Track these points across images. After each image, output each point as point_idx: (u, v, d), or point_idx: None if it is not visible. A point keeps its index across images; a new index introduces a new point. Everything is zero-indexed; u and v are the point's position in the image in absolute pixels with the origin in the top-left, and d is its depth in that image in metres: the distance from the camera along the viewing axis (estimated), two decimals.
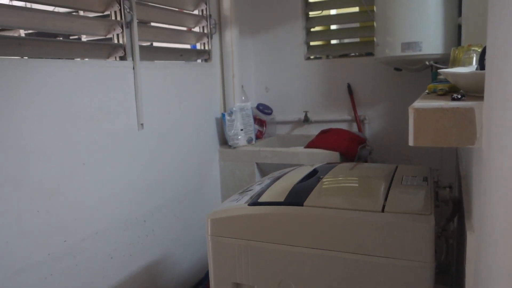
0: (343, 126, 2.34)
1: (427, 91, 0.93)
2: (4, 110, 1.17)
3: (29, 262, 1.24)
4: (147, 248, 1.72)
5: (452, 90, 0.83)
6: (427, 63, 1.89)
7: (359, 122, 2.31)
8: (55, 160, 1.32)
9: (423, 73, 2.09)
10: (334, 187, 1.11)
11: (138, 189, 1.66)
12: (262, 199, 1.06)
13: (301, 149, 2.04)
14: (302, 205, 0.98)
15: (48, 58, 1.33)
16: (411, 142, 0.67)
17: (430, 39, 1.84)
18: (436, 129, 0.66)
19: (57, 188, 1.33)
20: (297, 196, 1.02)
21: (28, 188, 1.24)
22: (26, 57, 1.31)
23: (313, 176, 1.18)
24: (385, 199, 0.95)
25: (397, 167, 1.24)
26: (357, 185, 1.12)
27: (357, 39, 2.45)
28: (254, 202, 1.05)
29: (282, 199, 1.02)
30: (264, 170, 2.13)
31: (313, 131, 2.37)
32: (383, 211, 0.90)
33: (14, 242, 1.20)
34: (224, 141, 2.22)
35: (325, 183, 1.11)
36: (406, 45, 1.86)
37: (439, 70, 0.86)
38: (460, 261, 1.01)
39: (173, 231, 1.87)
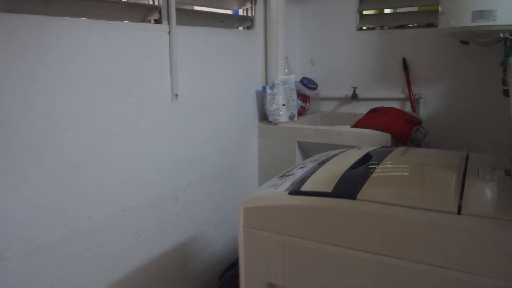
0: (395, 105, 2.13)
1: None
2: (26, 73, 1.06)
3: (50, 238, 1.16)
4: (178, 227, 1.62)
5: None
6: (501, 35, 1.63)
7: (413, 101, 2.08)
8: (80, 130, 1.21)
9: (493, 47, 1.83)
10: (393, 177, 0.92)
11: (170, 164, 1.55)
12: (306, 187, 0.89)
13: (347, 128, 1.85)
14: (355, 199, 0.81)
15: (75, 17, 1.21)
16: None
17: (507, 7, 1.57)
18: None
19: (82, 160, 1.23)
20: (348, 187, 0.85)
21: (51, 159, 1.14)
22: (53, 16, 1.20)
23: (367, 162, 1.00)
24: (460, 197, 0.77)
25: (468, 155, 1.04)
26: (422, 176, 0.93)
27: (415, 9, 2.20)
28: (296, 191, 0.89)
29: (329, 189, 0.85)
30: (305, 149, 1.97)
31: (362, 109, 2.17)
32: (459, 212, 0.71)
33: (34, 217, 1.11)
34: (264, 117, 2.06)
35: (381, 172, 0.93)
36: (478, 14, 1.61)
37: None
38: None
39: (205, 210, 1.76)
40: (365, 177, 0.88)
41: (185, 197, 1.64)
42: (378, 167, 0.95)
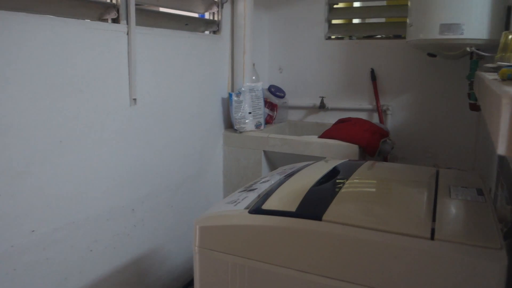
0: (363, 115, 2.10)
1: (498, 77, 0.69)
2: None
3: None
4: (134, 240, 1.51)
5: None
6: (468, 49, 1.63)
7: (381, 112, 2.06)
8: (25, 135, 1.10)
9: (460, 60, 1.83)
10: (362, 196, 0.87)
11: (127, 174, 1.45)
12: (267, 205, 0.82)
13: (315, 138, 1.80)
14: (321, 219, 0.74)
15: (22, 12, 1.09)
16: (502, 150, 0.43)
17: (474, 22, 1.58)
18: None
19: (25, 169, 1.11)
20: (313, 206, 0.79)
21: None
22: None
23: (334, 178, 0.94)
24: (433, 219, 0.71)
25: (438, 171, 1.00)
26: (392, 195, 0.88)
27: (383, 20, 2.19)
28: (257, 209, 0.82)
29: (293, 208, 0.79)
30: (272, 159, 1.91)
31: (329, 119, 2.13)
32: (432, 238, 0.66)
33: None
34: (229, 124, 1.99)
35: (349, 189, 0.87)
36: (446, 27, 1.60)
37: None
38: None
39: (165, 222, 1.66)
40: (332, 195, 0.82)
41: (143, 208, 1.54)
42: (346, 183, 0.90)
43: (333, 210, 0.77)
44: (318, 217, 0.75)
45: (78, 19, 1.25)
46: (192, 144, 1.77)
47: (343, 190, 0.85)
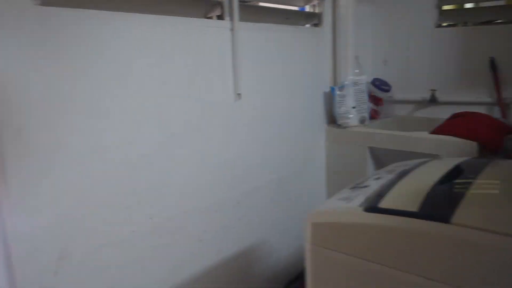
0: (481, 110, 1.90)
1: None
2: (87, 69, 1.03)
3: (113, 238, 1.13)
4: (240, 233, 1.54)
5: None
6: None
7: (504, 106, 1.84)
8: (141, 128, 1.18)
9: None
10: (497, 198, 0.77)
11: (233, 167, 1.48)
12: (384, 203, 0.76)
13: (425, 134, 1.67)
14: (449, 222, 0.67)
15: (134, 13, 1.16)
16: None
17: None
18: None
19: (143, 159, 1.19)
20: (439, 206, 0.71)
21: (112, 157, 1.11)
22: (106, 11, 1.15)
23: (458, 177, 0.85)
24: None
25: None
26: None
27: (503, 2, 1.96)
28: (373, 207, 0.76)
29: (415, 208, 0.72)
30: (378, 156, 1.82)
31: (441, 114, 1.96)
32: None
33: (96, 215, 1.09)
34: (332, 119, 1.94)
35: (480, 190, 0.78)
36: None
37: None
38: None
39: (269, 217, 1.67)
40: (459, 195, 0.74)
41: (248, 202, 1.56)
42: (474, 183, 0.80)
43: (464, 213, 0.68)
44: (445, 219, 0.67)
45: (185, 17, 1.30)
46: (295, 139, 1.76)
47: (472, 191, 0.76)
